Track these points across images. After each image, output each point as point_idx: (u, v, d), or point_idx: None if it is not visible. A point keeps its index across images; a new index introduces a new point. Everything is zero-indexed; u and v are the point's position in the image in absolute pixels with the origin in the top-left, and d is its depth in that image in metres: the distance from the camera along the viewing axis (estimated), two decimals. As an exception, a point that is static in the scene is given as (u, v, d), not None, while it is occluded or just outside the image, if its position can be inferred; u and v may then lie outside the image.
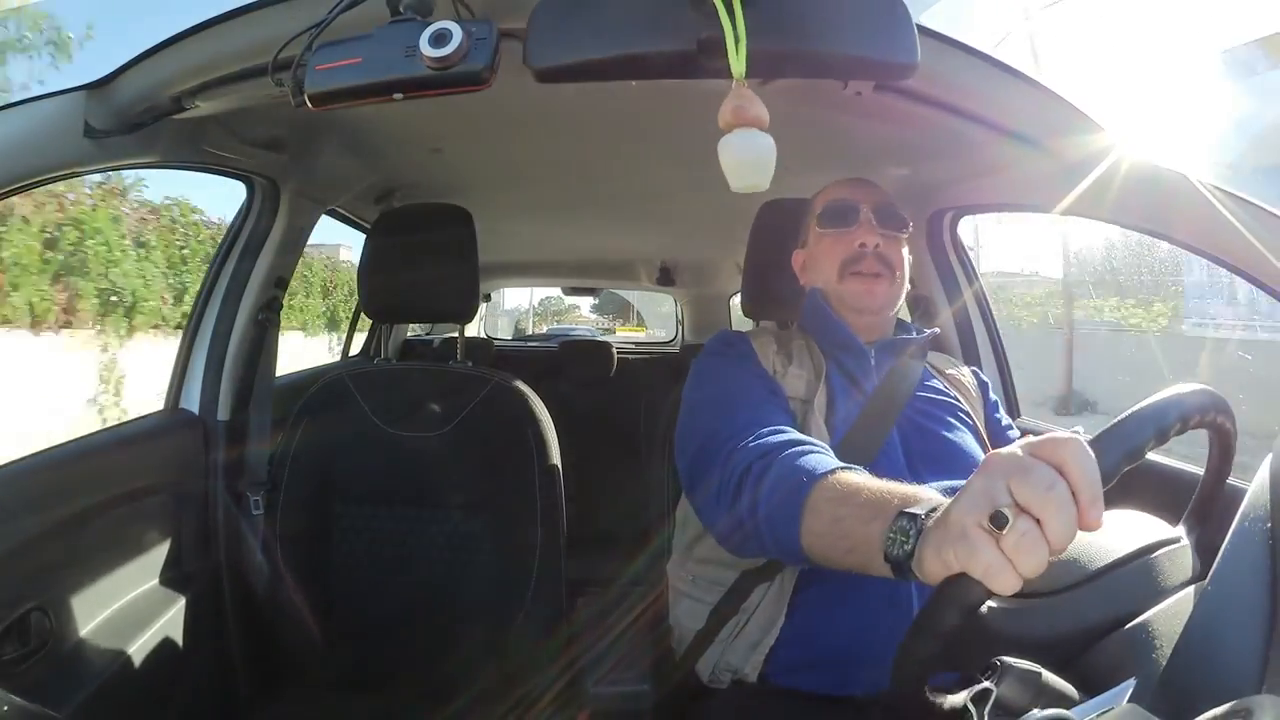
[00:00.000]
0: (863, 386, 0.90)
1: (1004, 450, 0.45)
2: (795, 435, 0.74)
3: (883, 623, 0.76)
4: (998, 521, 0.41)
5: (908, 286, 0.96)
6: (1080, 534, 0.58)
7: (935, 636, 0.45)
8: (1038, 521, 0.41)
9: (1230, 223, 0.72)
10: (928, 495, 0.53)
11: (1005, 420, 1.02)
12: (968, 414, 0.95)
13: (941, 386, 0.96)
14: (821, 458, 0.68)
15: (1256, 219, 0.72)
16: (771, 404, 0.84)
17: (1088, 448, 0.43)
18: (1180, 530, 0.61)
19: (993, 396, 1.03)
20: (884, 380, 0.90)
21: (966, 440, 0.91)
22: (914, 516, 0.50)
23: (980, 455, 0.91)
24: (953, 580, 0.44)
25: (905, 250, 0.95)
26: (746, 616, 0.86)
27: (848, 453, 0.83)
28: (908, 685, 0.49)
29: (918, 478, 0.84)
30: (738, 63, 0.54)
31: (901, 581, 0.79)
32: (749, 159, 0.55)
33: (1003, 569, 0.41)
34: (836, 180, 1.00)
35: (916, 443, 0.87)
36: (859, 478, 0.61)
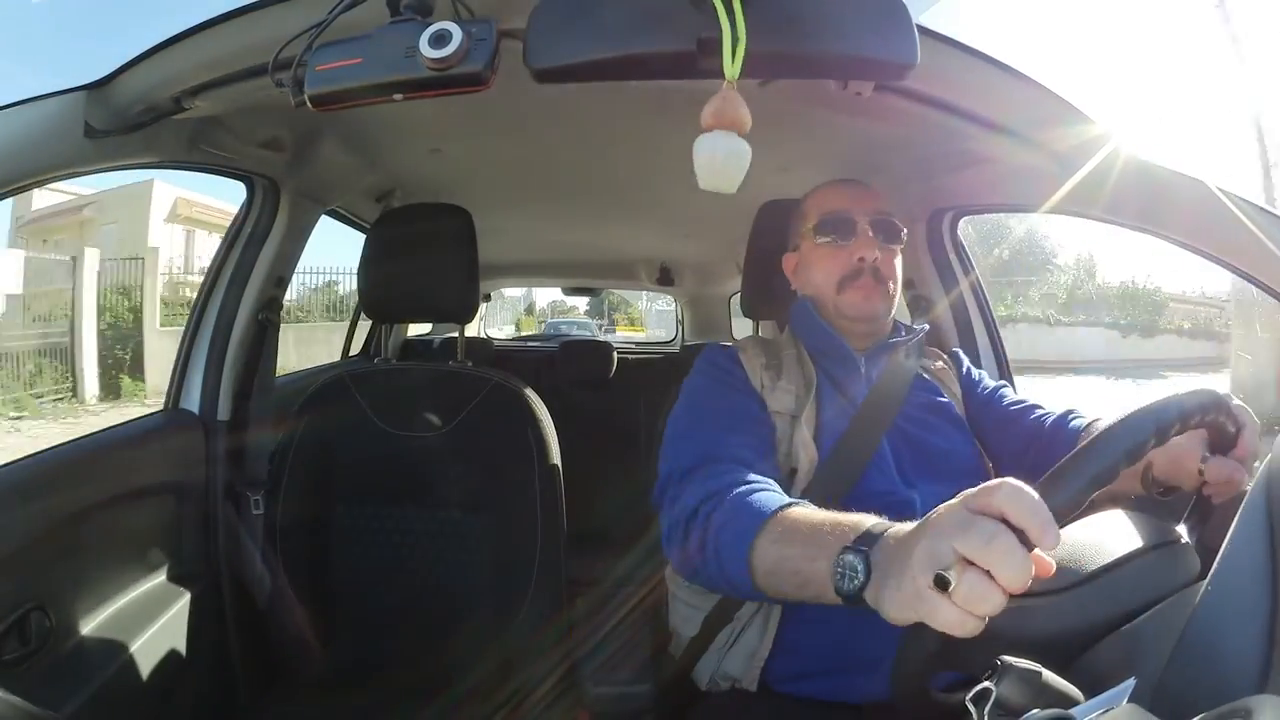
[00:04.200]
0: (852, 397, 0.89)
1: (944, 507, 0.47)
2: (743, 476, 0.74)
3: (878, 628, 0.76)
4: (941, 584, 0.43)
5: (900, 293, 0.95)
6: (1081, 535, 0.58)
7: (928, 655, 0.46)
8: (989, 571, 0.43)
9: (1248, 229, 0.72)
10: (867, 524, 0.55)
11: (988, 384, 1.01)
12: (957, 411, 0.95)
13: (933, 387, 0.95)
14: (765, 497, 0.69)
15: (1262, 220, 0.72)
16: (745, 435, 0.83)
17: (1020, 487, 0.44)
18: (1181, 529, 0.61)
19: (969, 370, 1.03)
20: (873, 390, 0.89)
21: (958, 444, 0.90)
22: (858, 551, 0.53)
23: (972, 456, 0.91)
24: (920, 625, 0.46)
25: (899, 261, 0.94)
26: (741, 624, 0.85)
27: (837, 465, 0.83)
28: (906, 691, 0.49)
29: (910, 486, 0.84)
30: (730, 65, 0.54)
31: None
32: (718, 161, 0.55)
33: (961, 620, 0.43)
34: (829, 182, 0.98)
35: (907, 452, 0.87)
36: (800, 513, 0.63)
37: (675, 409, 0.89)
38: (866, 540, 0.53)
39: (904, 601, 0.47)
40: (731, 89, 0.55)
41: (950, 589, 0.43)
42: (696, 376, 0.92)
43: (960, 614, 0.43)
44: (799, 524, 0.61)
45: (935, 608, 0.44)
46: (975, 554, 0.43)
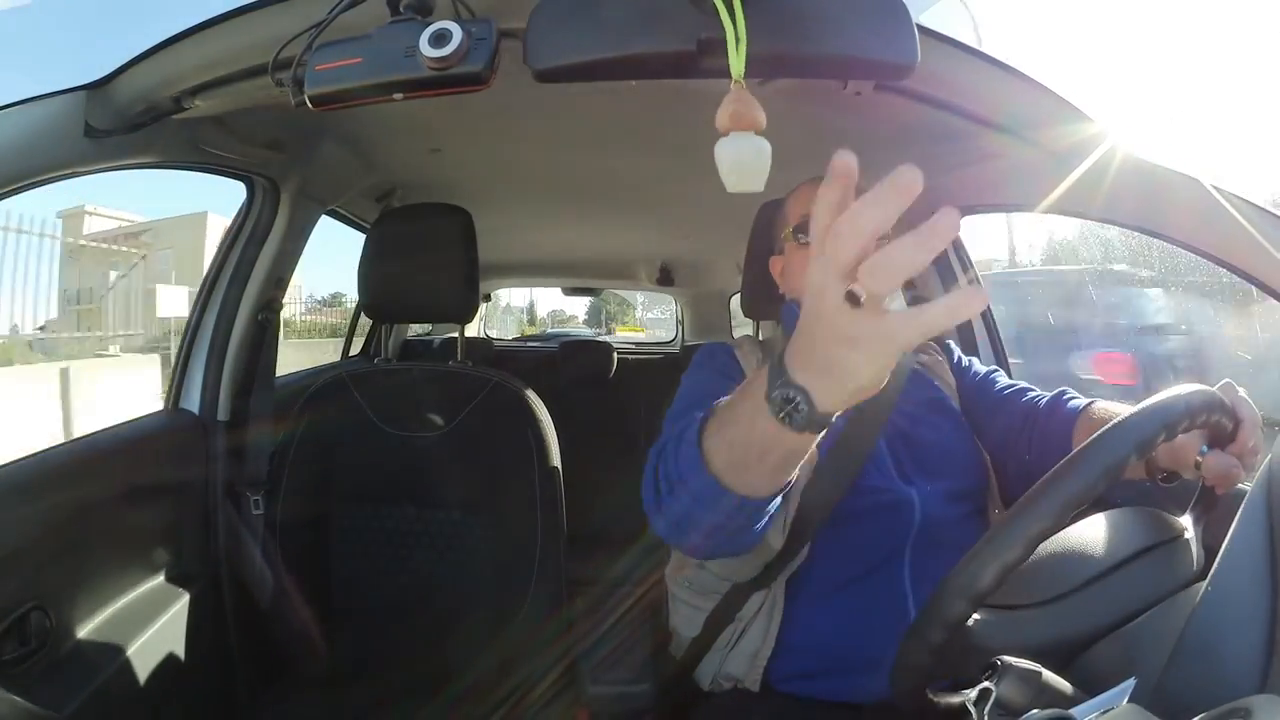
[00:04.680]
0: None
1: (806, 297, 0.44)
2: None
3: (878, 625, 0.76)
4: (852, 299, 0.40)
5: None
6: (1080, 536, 0.58)
7: (930, 654, 0.46)
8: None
9: (1246, 229, 0.72)
10: (764, 371, 0.50)
11: (979, 369, 1.01)
12: (952, 404, 0.94)
13: (927, 381, 0.95)
14: (697, 414, 0.62)
15: (1259, 219, 0.72)
16: None
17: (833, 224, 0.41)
18: (1185, 520, 0.61)
19: (959, 358, 1.02)
20: None
21: (954, 439, 0.90)
22: (781, 385, 0.47)
23: (969, 450, 0.91)
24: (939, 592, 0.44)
25: None
26: (742, 625, 0.85)
27: (836, 465, 0.82)
28: (907, 690, 0.49)
29: (908, 484, 0.83)
30: (737, 63, 0.53)
31: (896, 576, 0.79)
32: (745, 163, 0.54)
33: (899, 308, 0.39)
34: (808, 181, 0.96)
35: (904, 450, 0.87)
36: (720, 403, 0.59)
37: (672, 404, 0.89)
38: (777, 376, 0.48)
39: (870, 354, 0.41)
40: (741, 89, 0.54)
41: (861, 299, 0.39)
42: (693, 370, 0.92)
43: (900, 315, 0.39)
44: (722, 412, 0.57)
45: (879, 318, 0.40)
46: (843, 253, 0.40)
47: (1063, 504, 0.46)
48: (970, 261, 1.38)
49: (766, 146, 0.54)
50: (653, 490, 0.66)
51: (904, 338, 0.40)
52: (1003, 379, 0.99)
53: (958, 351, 1.04)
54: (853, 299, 0.39)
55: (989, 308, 1.37)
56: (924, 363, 0.98)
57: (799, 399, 0.46)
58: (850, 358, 0.42)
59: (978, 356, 1.29)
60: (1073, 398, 0.88)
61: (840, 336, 0.42)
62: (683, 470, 0.59)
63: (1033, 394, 0.93)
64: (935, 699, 0.50)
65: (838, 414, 0.46)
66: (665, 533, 0.68)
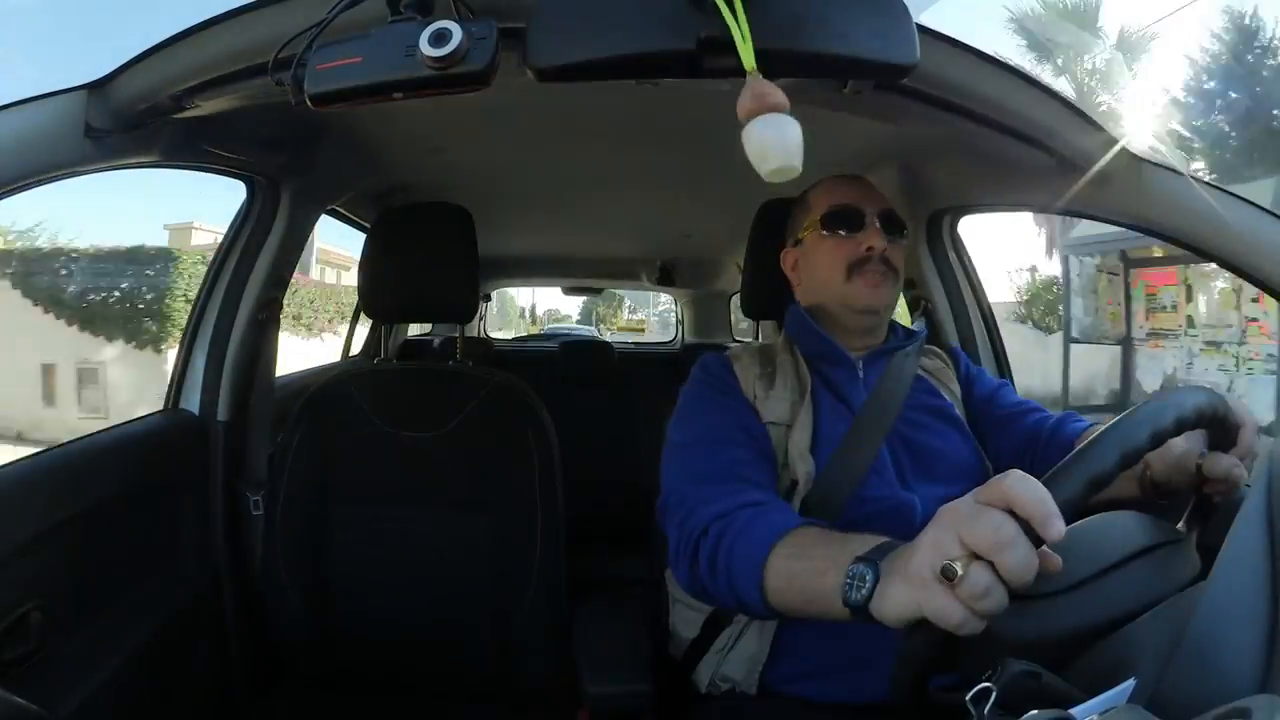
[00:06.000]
0: (850, 402, 0.89)
1: (956, 501, 0.48)
2: (752, 495, 0.76)
3: (875, 629, 0.76)
4: (948, 574, 0.44)
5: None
6: (1081, 535, 0.58)
7: (928, 657, 0.47)
8: (993, 564, 0.44)
9: (1229, 223, 0.72)
10: (881, 540, 0.56)
11: (988, 383, 1.01)
12: (955, 411, 0.94)
13: (931, 388, 0.95)
14: (776, 517, 0.70)
15: (1255, 219, 0.72)
16: (745, 449, 0.83)
17: (1026, 476, 0.45)
18: (1182, 528, 0.61)
19: (968, 367, 1.03)
20: (872, 394, 0.88)
21: (956, 445, 0.90)
22: (869, 561, 0.53)
23: (971, 457, 0.91)
24: (921, 623, 0.47)
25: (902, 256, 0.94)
26: (740, 627, 0.85)
27: (837, 473, 0.82)
28: (905, 691, 0.49)
29: (910, 490, 0.83)
30: (747, 55, 0.53)
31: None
32: (778, 142, 0.53)
33: (963, 616, 0.44)
34: (831, 178, 0.97)
35: (906, 456, 0.86)
36: (815, 532, 0.65)
37: (673, 419, 0.90)
38: (879, 552, 0.54)
39: (907, 595, 0.47)
40: (756, 78, 0.54)
41: (955, 580, 0.44)
42: (692, 385, 0.93)
43: (962, 609, 0.44)
44: (813, 541, 0.63)
45: (936, 597, 0.45)
46: (981, 543, 0.44)
47: (1085, 484, 0.47)
48: (972, 264, 1.38)
49: (797, 126, 0.53)
50: (688, 568, 0.75)
51: (953, 620, 0.45)
52: (1011, 395, 0.99)
53: (965, 361, 1.04)
54: (949, 572, 0.44)
55: (991, 312, 1.37)
56: (929, 369, 0.97)
57: (868, 586, 0.52)
58: (911, 597, 0.48)
59: (979, 360, 1.29)
60: (1078, 419, 0.88)
61: (917, 581, 0.47)
62: (736, 581, 0.68)
63: (1039, 415, 0.93)
64: (935, 698, 0.50)
65: (885, 618, 0.51)
66: (691, 593, 0.80)
